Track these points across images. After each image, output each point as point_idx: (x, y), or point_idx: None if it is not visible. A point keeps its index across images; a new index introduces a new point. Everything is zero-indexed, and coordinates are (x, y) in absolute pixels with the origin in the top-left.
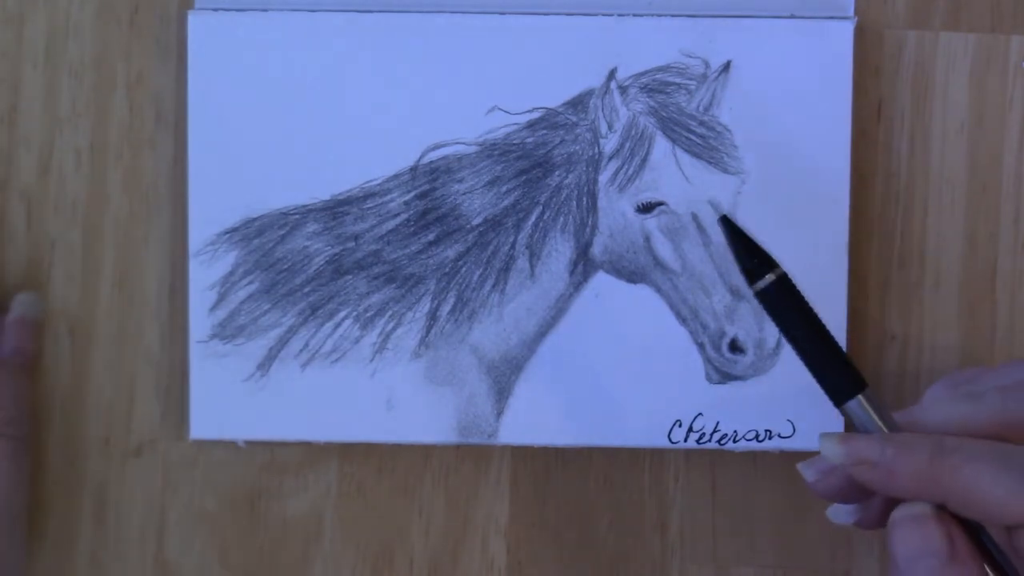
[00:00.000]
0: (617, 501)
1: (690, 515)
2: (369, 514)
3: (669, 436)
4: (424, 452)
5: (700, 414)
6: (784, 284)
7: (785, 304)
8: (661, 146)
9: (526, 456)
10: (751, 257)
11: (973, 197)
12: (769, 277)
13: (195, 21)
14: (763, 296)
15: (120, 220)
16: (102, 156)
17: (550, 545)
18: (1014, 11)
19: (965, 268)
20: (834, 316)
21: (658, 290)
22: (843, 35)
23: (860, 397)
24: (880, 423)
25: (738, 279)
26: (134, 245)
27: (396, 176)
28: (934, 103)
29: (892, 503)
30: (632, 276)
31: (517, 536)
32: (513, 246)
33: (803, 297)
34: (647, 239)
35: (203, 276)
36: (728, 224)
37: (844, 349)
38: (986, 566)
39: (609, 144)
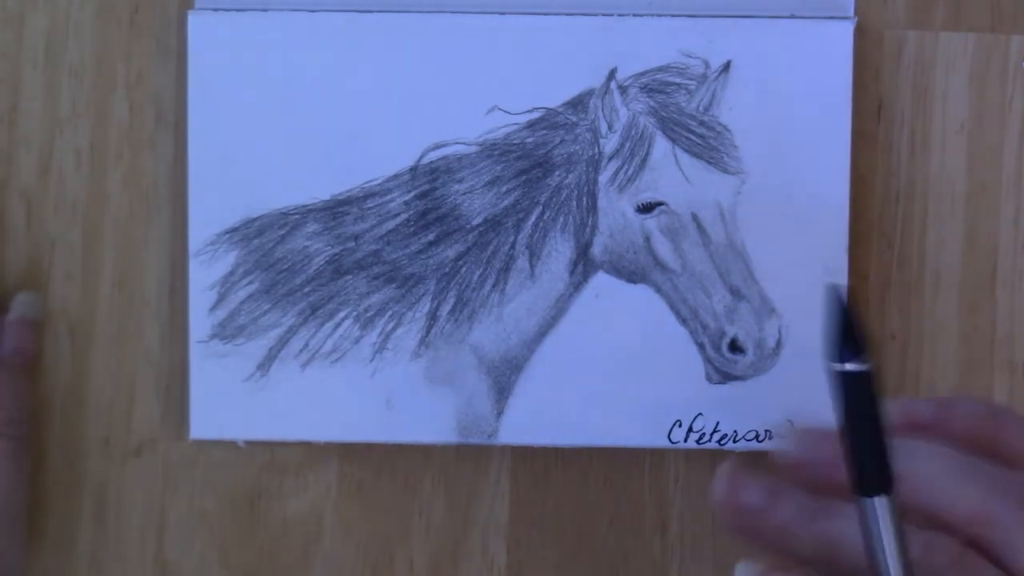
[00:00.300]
0: (617, 501)
1: (690, 515)
2: (369, 514)
3: (669, 436)
4: (424, 452)
5: (700, 414)
6: (869, 380)
7: (860, 397)
8: (661, 146)
9: (526, 456)
10: (847, 338)
11: (973, 197)
12: (857, 365)
13: (195, 21)
14: (842, 378)
15: (120, 220)
16: (102, 156)
17: (550, 545)
18: (1014, 11)
19: (965, 268)
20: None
21: (658, 290)
22: (843, 35)
23: (885, 497)
24: (893, 535)
25: (737, 279)
26: (134, 245)
27: (396, 176)
28: (934, 103)
29: None
30: (632, 276)
31: (517, 536)
32: (513, 246)
33: (880, 396)
34: (647, 239)
35: (203, 276)
36: (835, 296)
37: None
38: None
39: (609, 144)
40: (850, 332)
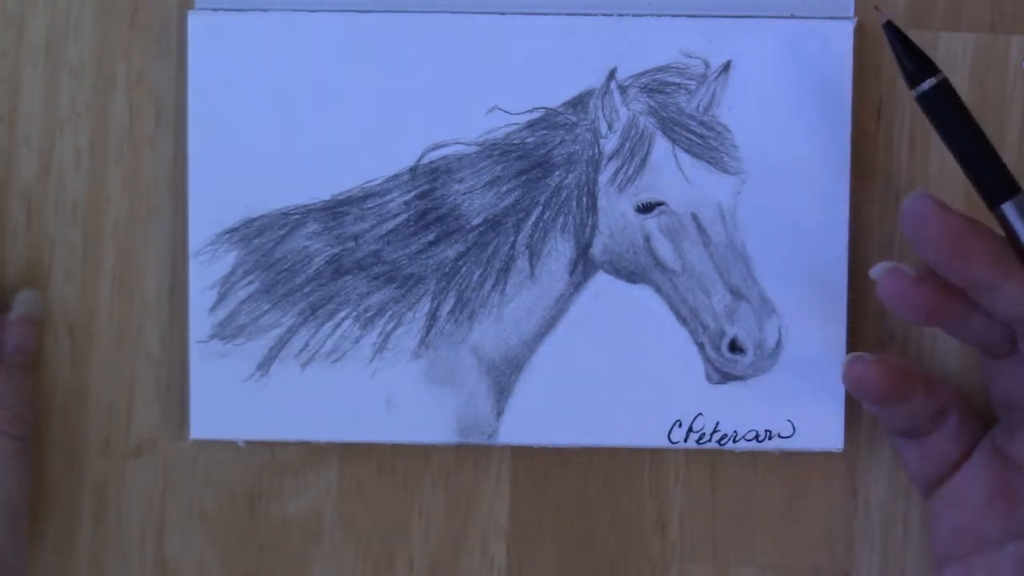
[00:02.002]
0: (617, 501)
1: (690, 515)
2: (369, 514)
3: (669, 436)
4: (424, 452)
5: (700, 414)
6: (944, 89)
7: (945, 107)
8: (661, 146)
9: (526, 456)
10: (913, 61)
11: (973, 197)
12: (930, 81)
13: (195, 21)
14: (923, 99)
15: (120, 220)
16: (102, 156)
17: (550, 545)
18: (1014, 11)
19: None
20: (834, 316)
21: (658, 290)
22: (843, 35)
23: (1012, 201)
24: None
25: (738, 279)
26: (134, 245)
27: (396, 176)
28: None
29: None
30: (632, 276)
31: (517, 536)
32: (513, 246)
33: (962, 102)
34: (647, 239)
35: (203, 276)
36: (893, 29)
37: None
38: None
39: (609, 144)
40: (915, 56)
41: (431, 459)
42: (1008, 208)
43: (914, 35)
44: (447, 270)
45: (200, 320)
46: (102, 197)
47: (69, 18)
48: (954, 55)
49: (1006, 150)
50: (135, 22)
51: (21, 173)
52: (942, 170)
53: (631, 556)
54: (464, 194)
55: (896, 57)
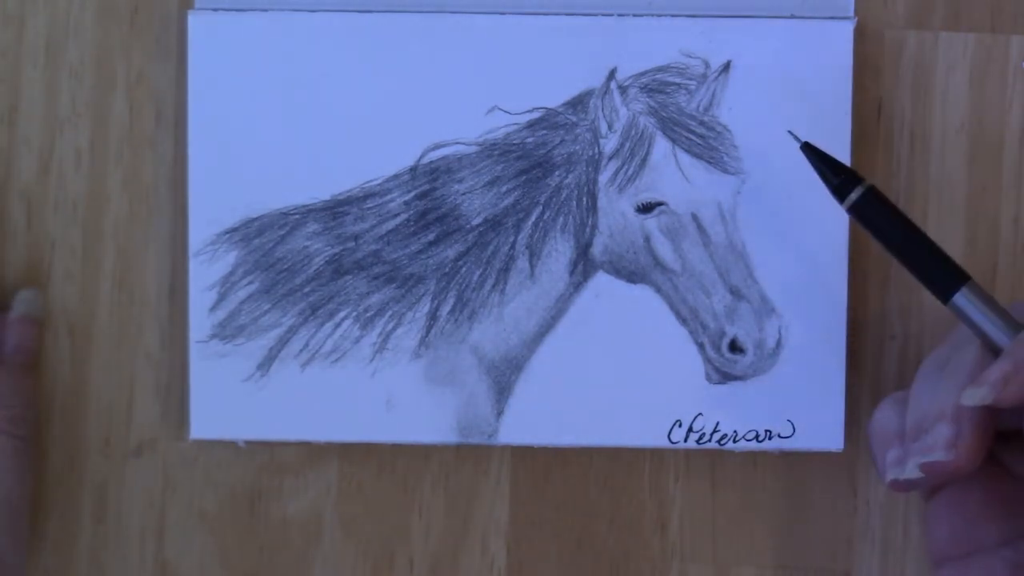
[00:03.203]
0: (617, 501)
1: (690, 515)
2: (369, 514)
3: (669, 436)
4: (424, 452)
5: (700, 414)
6: (873, 195)
7: (877, 213)
8: (661, 146)
9: (526, 456)
10: (837, 175)
11: (973, 197)
12: (858, 190)
13: (195, 21)
14: (856, 210)
15: (120, 220)
16: (102, 156)
17: (550, 545)
18: (1014, 11)
19: (965, 268)
20: (834, 316)
21: (658, 290)
22: (843, 35)
23: (964, 289)
24: (988, 310)
25: (738, 279)
26: (134, 245)
27: (396, 176)
28: (934, 103)
29: None
30: (632, 276)
31: (517, 536)
32: (513, 246)
33: (893, 205)
34: (647, 239)
35: (203, 276)
36: (811, 149)
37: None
38: None
39: (609, 144)
40: (839, 169)
41: (431, 459)
42: (960, 299)
43: (914, 35)
44: (447, 270)
45: (200, 320)
46: (102, 197)
47: (69, 18)
48: (954, 55)
49: (1006, 150)
50: (135, 22)
51: (21, 173)
52: (942, 170)
53: (631, 556)
54: (464, 194)
55: (820, 174)
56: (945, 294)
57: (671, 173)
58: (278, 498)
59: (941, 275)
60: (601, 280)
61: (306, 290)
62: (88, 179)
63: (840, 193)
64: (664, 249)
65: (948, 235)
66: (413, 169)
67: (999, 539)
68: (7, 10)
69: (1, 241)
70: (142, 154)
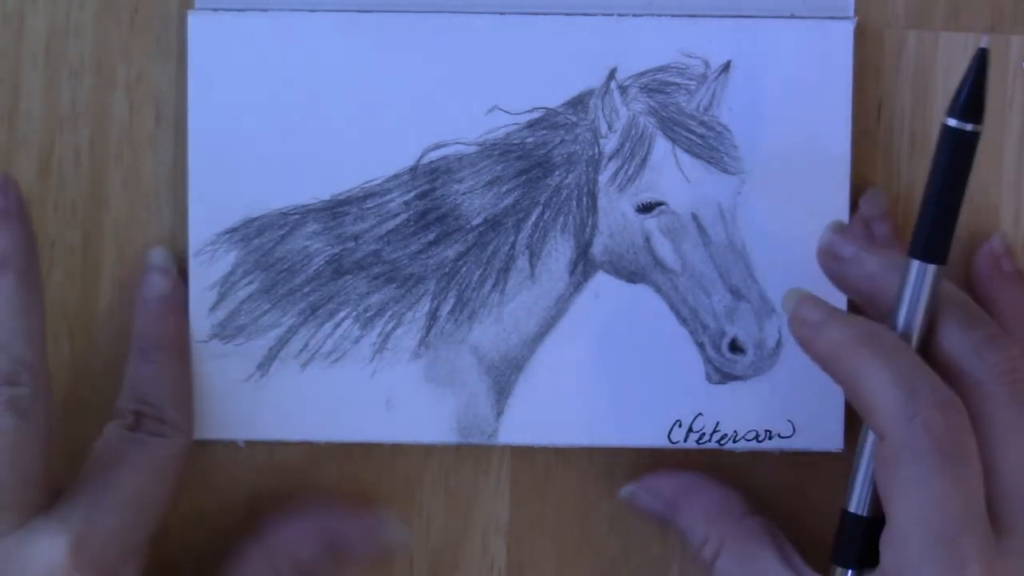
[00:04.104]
0: (617, 501)
1: None
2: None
3: (669, 436)
4: (424, 452)
5: (700, 414)
6: (975, 140)
7: (960, 154)
8: (661, 146)
9: (526, 456)
10: (976, 98)
11: (973, 197)
12: (973, 125)
13: (195, 21)
14: (952, 134)
15: (120, 220)
16: (102, 156)
17: (550, 545)
18: (1014, 11)
19: (966, 268)
20: None
21: (658, 290)
22: (843, 35)
23: (932, 266)
24: (926, 301)
25: (738, 279)
26: (134, 245)
27: (396, 176)
28: (934, 103)
29: None
30: (632, 276)
31: (517, 536)
32: (513, 246)
33: (973, 160)
34: (647, 239)
35: (203, 276)
36: (981, 59)
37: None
38: None
39: (609, 144)
40: (978, 95)
41: (431, 459)
42: (919, 266)
43: (914, 35)
44: (447, 270)
45: (200, 320)
46: (102, 197)
47: (69, 18)
48: (954, 55)
49: (1006, 150)
50: (135, 22)
51: (21, 173)
52: None
53: (631, 556)
54: (464, 194)
55: (965, 83)
56: (916, 252)
57: (671, 173)
58: (278, 498)
59: (934, 239)
60: (601, 280)
61: (306, 290)
62: (88, 179)
63: (960, 113)
64: (664, 249)
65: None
66: (413, 169)
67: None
68: (7, 10)
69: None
70: (142, 154)
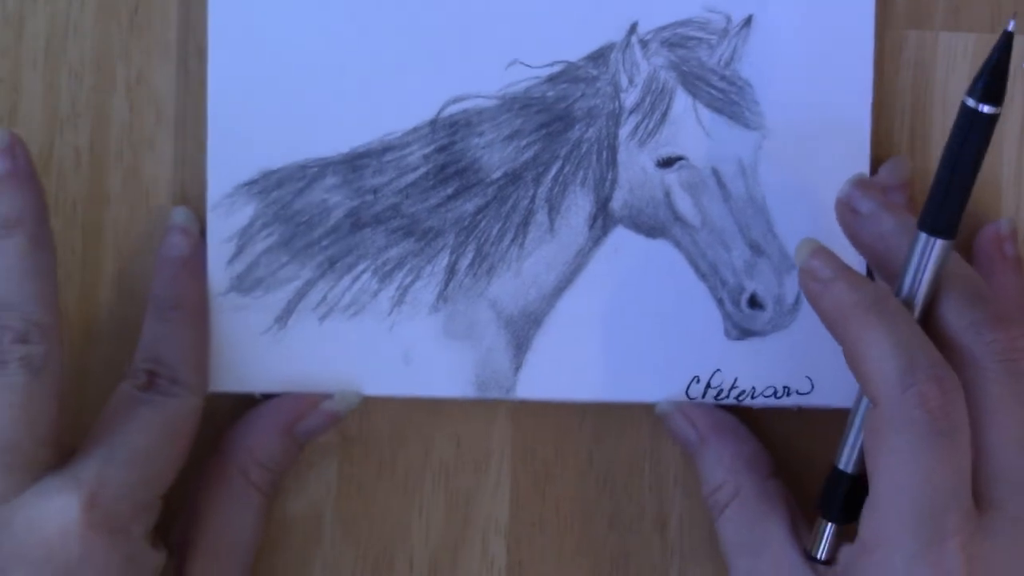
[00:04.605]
0: (617, 501)
1: (690, 515)
2: (369, 514)
3: (687, 392)
4: (424, 451)
5: (718, 370)
6: (993, 121)
7: (978, 134)
8: (681, 101)
9: (526, 456)
10: (998, 81)
11: (973, 197)
12: (992, 107)
13: None
14: (971, 114)
15: (120, 220)
16: (102, 156)
17: (550, 545)
18: (1014, 11)
19: (969, 241)
20: None
21: (677, 245)
22: None
23: (939, 240)
24: (930, 273)
25: (757, 234)
26: (134, 245)
27: (415, 129)
28: (934, 103)
29: None
30: (651, 231)
31: (517, 536)
32: (532, 200)
33: (989, 141)
34: (667, 194)
35: (221, 228)
36: (1005, 42)
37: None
38: None
39: (629, 98)
40: (999, 77)
41: (431, 459)
42: (927, 238)
43: (914, 35)
44: (466, 224)
45: (218, 273)
46: (102, 197)
47: (69, 18)
48: (954, 55)
49: (1006, 149)
50: (135, 22)
51: None
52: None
53: (631, 556)
54: (484, 148)
55: (987, 64)
56: (926, 225)
57: (692, 128)
58: (278, 498)
59: (946, 213)
60: (620, 235)
61: (324, 243)
62: (88, 179)
63: (982, 94)
64: (684, 204)
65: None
66: (433, 122)
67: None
68: (7, 10)
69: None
70: (142, 154)
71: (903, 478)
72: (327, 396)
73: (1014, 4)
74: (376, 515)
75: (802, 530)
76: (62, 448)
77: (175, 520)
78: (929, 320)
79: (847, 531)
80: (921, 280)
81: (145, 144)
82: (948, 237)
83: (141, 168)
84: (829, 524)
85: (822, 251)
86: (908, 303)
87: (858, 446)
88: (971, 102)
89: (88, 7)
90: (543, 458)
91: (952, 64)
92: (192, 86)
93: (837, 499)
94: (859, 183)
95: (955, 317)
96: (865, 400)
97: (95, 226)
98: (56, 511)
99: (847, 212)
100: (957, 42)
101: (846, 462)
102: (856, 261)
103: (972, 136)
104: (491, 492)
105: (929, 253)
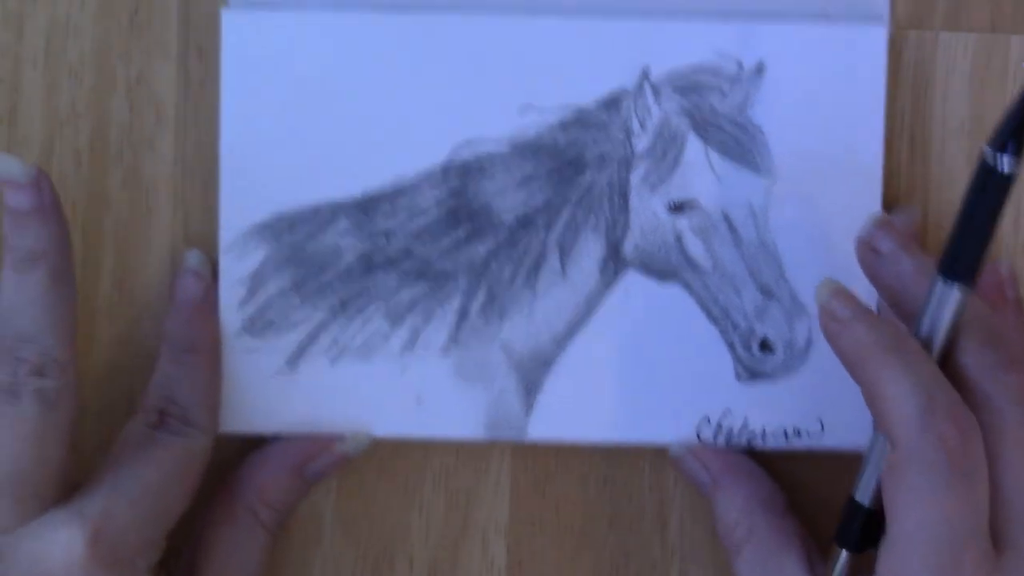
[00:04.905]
0: (617, 501)
1: (690, 515)
2: (369, 514)
3: (698, 433)
4: (424, 452)
5: (729, 412)
6: (1010, 182)
7: (997, 188)
8: (693, 146)
9: (526, 456)
10: (1014, 134)
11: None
12: (1013, 161)
13: (229, 18)
14: (991, 169)
15: (120, 220)
16: (102, 156)
17: (550, 545)
18: (1014, 11)
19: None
20: None
21: (688, 289)
22: (877, 38)
23: (957, 284)
24: (949, 317)
25: (768, 279)
26: (134, 245)
27: (428, 173)
28: (934, 103)
29: None
30: (663, 275)
31: (517, 536)
32: (544, 244)
33: (1009, 195)
34: (678, 238)
35: (234, 271)
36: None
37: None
38: None
39: (641, 143)
40: (1019, 129)
41: (431, 459)
42: (946, 283)
43: (914, 35)
44: (478, 267)
45: (231, 315)
46: (102, 197)
47: (69, 18)
48: (954, 55)
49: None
50: (135, 22)
51: None
52: (942, 170)
53: (631, 556)
54: (495, 192)
55: (1012, 115)
56: (947, 272)
57: (703, 172)
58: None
59: (964, 259)
60: (632, 278)
61: (336, 286)
62: (88, 179)
63: (1007, 148)
64: (695, 248)
65: (948, 235)
66: (445, 166)
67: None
68: (7, 10)
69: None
70: (142, 154)
71: (921, 517)
72: (338, 437)
73: (1014, 4)
74: (376, 515)
75: (818, 566)
76: (70, 481)
77: (180, 556)
78: (947, 361)
79: (863, 563)
80: (939, 323)
81: (145, 144)
82: (967, 283)
83: (141, 168)
84: (845, 553)
85: (842, 292)
86: (926, 344)
87: (874, 480)
88: (990, 152)
89: (88, 7)
90: (543, 458)
91: (952, 64)
92: (192, 86)
93: (854, 530)
94: (880, 223)
95: (972, 359)
96: (881, 435)
97: (95, 226)
98: (61, 544)
99: (867, 251)
100: (957, 42)
101: (862, 495)
102: (870, 302)
103: (991, 187)
104: (491, 492)
105: (947, 298)
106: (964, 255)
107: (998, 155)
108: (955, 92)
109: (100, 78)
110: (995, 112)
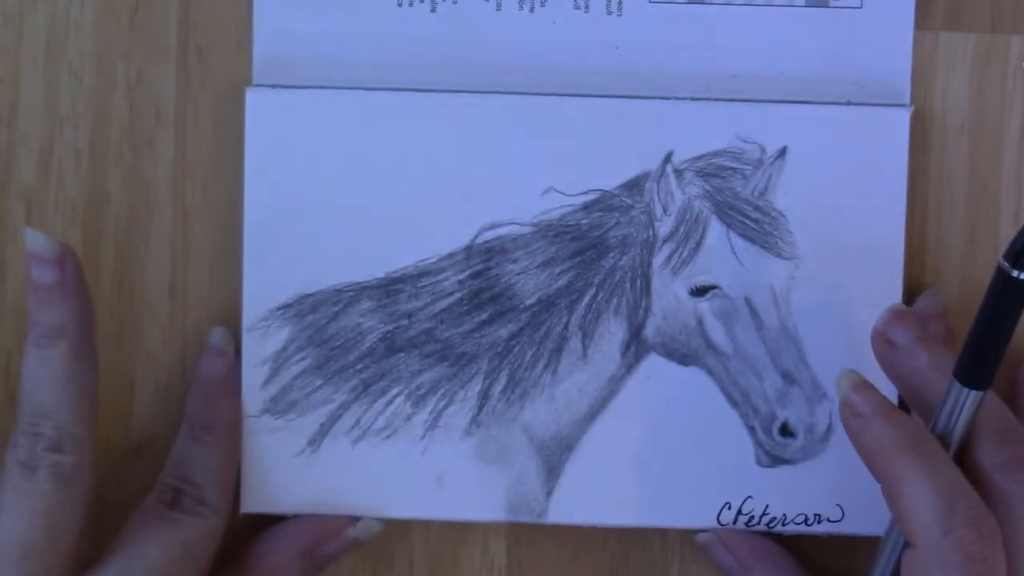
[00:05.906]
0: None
1: None
2: None
3: (718, 518)
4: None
5: (749, 497)
6: None
7: (1011, 303)
8: (716, 230)
9: None
10: None
11: (973, 197)
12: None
13: (252, 97)
14: (1008, 281)
15: (120, 220)
16: (102, 156)
17: (550, 545)
18: (1014, 11)
19: (966, 268)
20: None
21: (710, 373)
22: (899, 123)
23: (971, 390)
24: (965, 417)
25: (789, 364)
26: (134, 245)
27: (451, 255)
28: (934, 103)
29: None
30: (684, 358)
31: (517, 536)
32: (566, 327)
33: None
34: (700, 322)
35: (256, 351)
36: None
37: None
38: None
39: (664, 227)
40: None
41: None
42: (960, 389)
43: (914, 35)
44: (500, 349)
45: (253, 395)
46: (102, 197)
47: (69, 18)
48: (954, 55)
49: (1006, 150)
50: (135, 22)
51: (21, 173)
52: (942, 170)
53: (631, 556)
54: (518, 274)
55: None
56: (964, 377)
57: (725, 257)
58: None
59: (980, 366)
60: (653, 362)
61: (358, 367)
62: (88, 179)
63: (1012, 259)
64: (717, 332)
65: (948, 235)
66: (468, 248)
67: None
68: (7, 10)
69: (1, 241)
70: (142, 154)
71: None
72: (351, 520)
73: (1014, 4)
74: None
75: None
76: (83, 558)
77: None
78: (963, 458)
79: None
80: (956, 422)
81: (145, 144)
82: (983, 388)
83: (141, 168)
84: None
85: (863, 385)
86: (943, 440)
87: (891, 568)
88: (1007, 265)
89: (88, 7)
90: None
91: (952, 64)
92: (192, 86)
93: None
94: (896, 314)
95: (987, 456)
96: (897, 527)
97: (95, 226)
98: None
99: (883, 343)
100: (957, 42)
101: None
102: (889, 389)
103: (1007, 298)
104: None
105: (964, 400)
106: (980, 363)
107: (1017, 270)
108: (955, 92)
109: (100, 78)
110: (995, 112)
